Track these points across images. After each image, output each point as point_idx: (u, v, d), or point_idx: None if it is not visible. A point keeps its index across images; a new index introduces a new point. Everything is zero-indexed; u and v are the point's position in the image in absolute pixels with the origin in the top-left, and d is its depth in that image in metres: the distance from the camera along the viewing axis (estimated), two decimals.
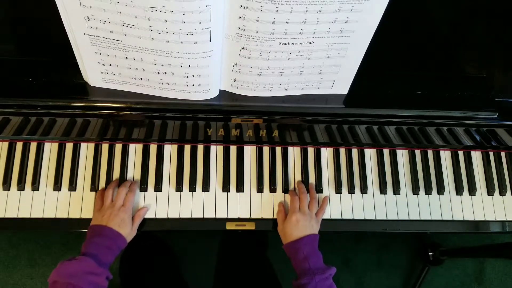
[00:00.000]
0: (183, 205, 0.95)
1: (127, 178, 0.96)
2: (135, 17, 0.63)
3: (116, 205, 0.86)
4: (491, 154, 1.05)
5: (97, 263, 0.75)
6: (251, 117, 0.84)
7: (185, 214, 0.95)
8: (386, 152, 1.03)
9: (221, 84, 0.80)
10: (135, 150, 0.98)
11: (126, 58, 0.72)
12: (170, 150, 0.98)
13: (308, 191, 0.96)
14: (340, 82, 0.81)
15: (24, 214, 0.92)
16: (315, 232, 0.89)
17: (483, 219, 1.00)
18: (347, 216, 0.97)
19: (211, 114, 0.83)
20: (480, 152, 1.05)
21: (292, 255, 0.86)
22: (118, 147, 0.98)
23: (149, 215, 0.94)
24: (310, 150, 1.01)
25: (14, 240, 1.58)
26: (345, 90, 0.83)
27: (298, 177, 0.99)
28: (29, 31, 0.77)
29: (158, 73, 0.74)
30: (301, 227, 0.88)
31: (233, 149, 1.00)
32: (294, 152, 1.01)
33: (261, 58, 0.72)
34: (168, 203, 0.95)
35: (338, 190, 0.99)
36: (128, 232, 0.86)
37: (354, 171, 1.00)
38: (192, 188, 0.96)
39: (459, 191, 1.01)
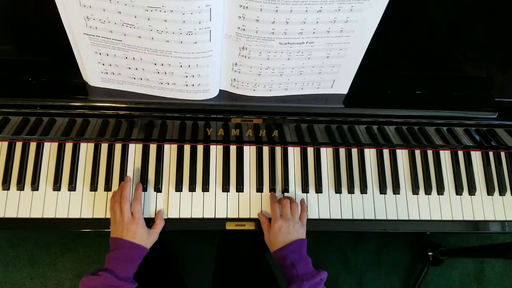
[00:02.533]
0: (183, 205, 0.95)
1: None
2: (135, 16, 0.63)
3: (125, 219, 0.86)
4: (490, 154, 1.05)
5: (116, 277, 0.79)
6: (251, 117, 0.84)
7: (185, 214, 0.95)
8: (386, 152, 1.03)
9: (221, 84, 0.80)
10: (134, 150, 0.98)
11: (126, 58, 0.72)
12: (169, 150, 0.98)
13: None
14: (339, 82, 0.81)
15: (24, 214, 0.92)
16: (301, 236, 0.88)
17: (482, 219, 1.00)
18: (347, 216, 0.97)
19: (211, 114, 0.83)
20: (480, 152, 1.05)
21: (280, 263, 0.86)
22: (118, 147, 0.98)
23: (149, 215, 0.94)
24: (310, 150, 1.01)
25: (14, 240, 1.57)
26: (344, 90, 0.83)
27: (298, 177, 0.99)
28: (29, 31, 0.77)
29: (158, 73, 0.74)
30: (284, 233, 0.87)
31: (233, 149, 1.00)
32: (294, 152, 1.01)
33: (261, 58, 0.72)
34: (167, 203, 0.95)
35: (338, 190, 0.99)
36: (146, 240, 0.87)
37: (353, 171, 1.00)
38: (192, 188, 0.96)
39: (458, 191, 1.01)
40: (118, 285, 0.78)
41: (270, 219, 0.92)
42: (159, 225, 0.91)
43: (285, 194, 0.98)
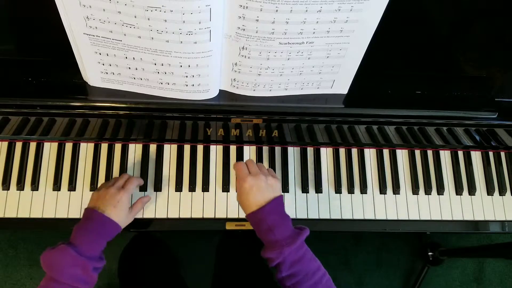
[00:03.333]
0: (183, 205, 0.95)
1: None
2: (135, 16, 0.63)
3: (115, 184, 0.80)
4: (490, 154, 1.05)
5: (80, 252, 0.68)
6: (250, 117, 0.84)
7: (185, 214, 0.95)
8: (385, 152, 1.03)
9: (221, 84, 0.80)
10: (134, 150, 0.98)
11: (126, 58, 0.72)
12: (169, 150, 0.98)
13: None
14: (339, 82, 0.81)
15: (24, 214, 0.92)
16: (276, 193, 0.77)
17: (482, 219, 1.00)
18: (347, 216, 0.97)
19: (211, 114, 0.83)
20: (480, 152, 1.05)
21: (255, 227, 0.75)
22: (118, 147, 0.98)
23: (149, 215, 0.93)
24: (310, 150, 1.01)
25: (13, 240, 1.58)
26: (344, 90, 0.83)
27: (298, 177, 0.99)
28: (29, 31, 0.77)
29: (158, 73, 0.74)
30: (257, 192, 0.75)
31: (233, 149, 1.00)
32: (293, 152, 1.01)
33: (260, 58, 0.72)
34: (167, 203, 0.95)
35: (338, 190, 0.99)
36: (123, 218, 0.79)
37: (353, 171, 1.00)
38: (192, 188, 0.96)
39: (458, 191, 1.01)
40: (80, 263, 0.67)
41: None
42: (138, 207, 0.86)
43: (285, 194, 0.97)
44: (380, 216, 0.98)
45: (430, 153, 1.04)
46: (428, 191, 1.01)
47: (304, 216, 0.96)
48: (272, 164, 0.99)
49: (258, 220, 0.74)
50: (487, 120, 0.86)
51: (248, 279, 1.08)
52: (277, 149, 1.00)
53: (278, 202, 0.76)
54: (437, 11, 0.76)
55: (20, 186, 0.93)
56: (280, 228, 0.72)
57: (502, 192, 1.02)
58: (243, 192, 0.76)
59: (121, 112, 0.82)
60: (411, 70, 0.86)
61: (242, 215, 0.95)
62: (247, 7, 0.62)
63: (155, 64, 0.72)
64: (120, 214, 0.78)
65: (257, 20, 0.64)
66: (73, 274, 0.67)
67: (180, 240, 1.55)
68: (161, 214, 0.94)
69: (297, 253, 0.71)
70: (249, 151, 1.00)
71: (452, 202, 1.01)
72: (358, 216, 0.98)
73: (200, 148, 0.99)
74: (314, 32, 0.68)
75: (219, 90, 0.81)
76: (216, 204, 0.96)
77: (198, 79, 0.74)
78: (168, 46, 0.67)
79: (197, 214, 0.95)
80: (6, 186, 0.93)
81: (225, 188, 0.96)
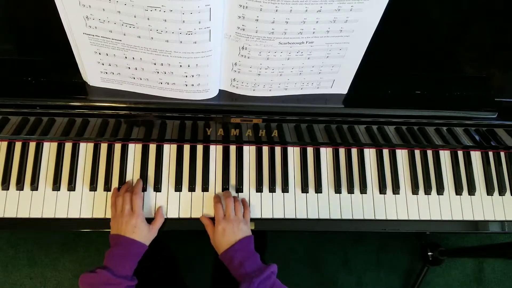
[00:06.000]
0: (182, 205, 0.95)
1: (126, 178, 0.96)
2: (135, 16, 0.63)
3: (125, 212, 0.87)
4: (490, 154, 1.05)
5: (113, 274, 0.79)
6: (250, 117, 0.84)
7: (184, 214, 0.94)
8: (385, 152, 1.03)
9: (221, 83, 0.80)
10: (134, 150, 0.98)
11: (126, 57, 0.72)
12: (169, 150, 0.98)
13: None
14: (339, 82, 0.81)
15: (23, 214, 0.92)
16: (246, 234, 0.88)
17: (482, 219, 1.00)
18: (347, 216, 0.97)
19: (211, 114, 0.83)
20: (480, 152, 1.05)
21: (228, 264, 0.85)
22: (117, 147, 0.98)
23: (148, 215, 0.93)
24: (310, 150, 1.01)
25: (13, 240, 1.57)
26: (344, 90, 0.83)
27: (298, 177, 0.99)
28: (28, 31, 0.77)
29: (158, 72, 0.74)
30: (229, 234, 0.86)
31: (233, 149, 1.00)
32: (293, 152, 1.01)
33: (260, 57, 0.72)
34: (167, 203, 0.95)
35: (338, 190, 0.99)
36: (145, 235, 0.87)
37: (353, 171, 1.00)
38: (192, 188, 0.96)
39: (458, 191, 1.01)
40: (114, 282, 0.78)
41: (213, 220, 0.91)
42: (158, 221, 0.91)
43: (285, 194, 0.98)
44: (380, 216, 0.98)
45: (430, 153, 1.04)
46: (428, 191, 1.00)
47: (304, 216, 0.96)
48: (272, 164, 0.99)
49: (230, 257, 0.84)
50: (487, 120, 0.86)
51: None
52: (277, 149, 1.00)
53: (247, 241, 0.86)
54: (437, 11, 0.76)
55: (20, 186, 0.93)
56: (249, 262, 0.82)
57: (501, 192, 1.02)
58: (217, 233, 0.87)
59: (121, 112, 0.82)
60: (411, 70, 0.86)
61: None
62: (247, 7, 0.62)
63: (155, 64, 0.72)
64: (141, 235, 0.86)
65: (257, 20, 0.64)
66: None
67: (180, 240, 1.55)
68: None
69: (267, 282, 0.79)
70: (248, 151, 1.00)
71: (452, 202, 1.01)
72: (358, 216, 0.98)
73: (199, 148, 0.99)
74: (314, 32, 0.68)
75: (219, 90, 0.81)
76: None
77: (198, 79, 0.74)
78: (168, 46, 0.67)
79: (197, 214, 0.94)
80: (6, 186, 0.93)
81: (225, 188, 0.96)
